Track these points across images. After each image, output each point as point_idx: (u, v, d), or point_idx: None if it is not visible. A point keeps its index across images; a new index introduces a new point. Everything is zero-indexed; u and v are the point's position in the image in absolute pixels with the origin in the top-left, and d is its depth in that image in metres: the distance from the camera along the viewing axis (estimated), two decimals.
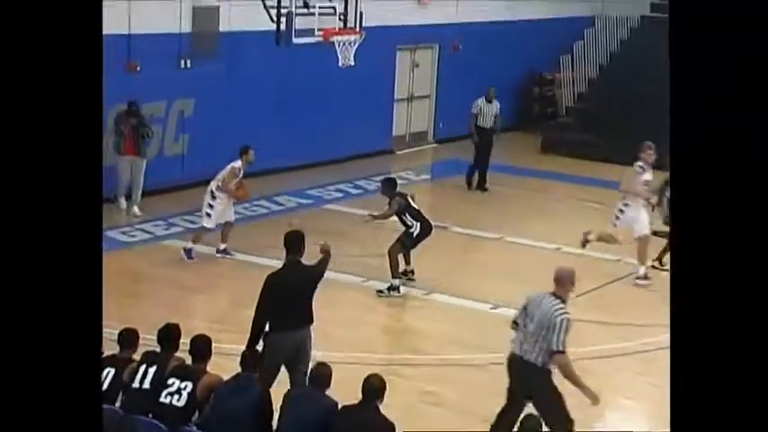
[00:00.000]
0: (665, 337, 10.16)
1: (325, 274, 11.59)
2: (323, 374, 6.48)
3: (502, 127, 18.21)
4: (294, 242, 7.75)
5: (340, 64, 14.88)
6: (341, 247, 12.68)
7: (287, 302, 7.56)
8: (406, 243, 11.25)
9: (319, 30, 14.59)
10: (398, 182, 17.25)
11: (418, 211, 11.36)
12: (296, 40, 14.39)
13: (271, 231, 12.75)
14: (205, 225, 11.97)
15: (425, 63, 19.91)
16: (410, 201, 11.40)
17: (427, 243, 11.32)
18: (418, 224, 11.20)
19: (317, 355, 8.00)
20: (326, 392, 6.46)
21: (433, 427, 8.14)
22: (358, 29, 15.16)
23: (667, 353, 10.46)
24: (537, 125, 20.78)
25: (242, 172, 12.05)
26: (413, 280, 11.46)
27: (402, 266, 11.37)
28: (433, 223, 11.55)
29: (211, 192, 11.99)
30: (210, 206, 11.91)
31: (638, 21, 22.12)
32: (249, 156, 12.08)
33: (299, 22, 14.45)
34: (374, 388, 6.27)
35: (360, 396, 6.34)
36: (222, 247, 12.16)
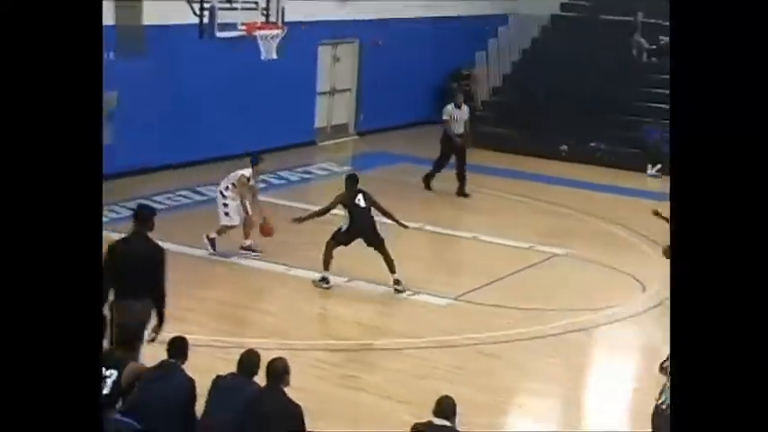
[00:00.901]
0: (573, 321, 10.77)
1: (251, 264, 12.04)
2: (251, 362, 6.55)
3: (422, 121, 18.61)
4: (144, 215, 8.10)
5: (262, 57, 15.16)
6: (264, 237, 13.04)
7: (129, 272, 7.77)
8: (337, 238, 11.38)
9: (242, 24, 14.86)
10: (320, 173, 17.68)
11: (362, 208, 11.32)
12: (219, 34, 14.63)
13: (193, 222, 13.04)
14: (227, 224, 12.26)
15: (347, 58, 20.30)
16: (357, 197, 11.36)
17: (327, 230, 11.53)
18: (348, 220, 11.35)
19: (244, 342, 8.30)
20: (254, 379, 6.53)
21: (355, 411, 8.46)
22: (280, 23, 15.46)
23: (576, 336, 11.01)
24: None
25: (252, 181, 12.32)
26: (400, 291, 11.30)
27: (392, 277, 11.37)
28: (338, 212, 11.76)
29: (221, 193, 12.29)
30: (225, 205, 12.23)
31: (548, 19, 22.92)
32: (260, 166, 12.43)
33: (222, 17, 14.69)
34: (278, 372, 6.33)
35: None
36: (247, 243, 12.36)
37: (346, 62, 20.30)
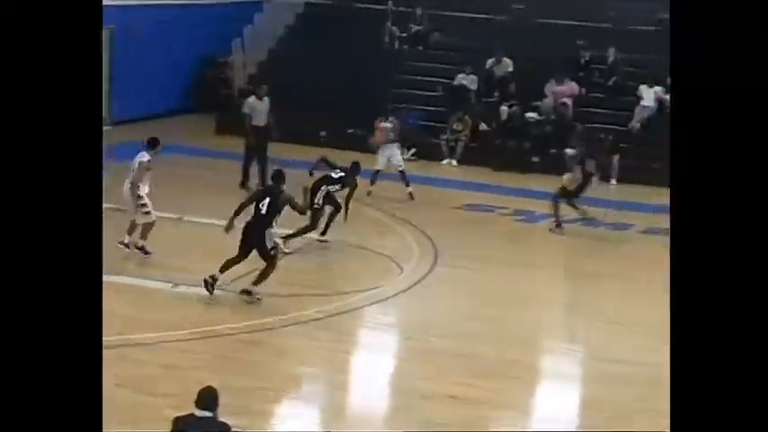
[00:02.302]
0: (337, 305, 10.95)
1: None
2: None
3: (179, 109, 18.13)
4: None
5: None
6: None
7: None
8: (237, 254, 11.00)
9: None
10: None
11: (260, 216, 10.95)
12: None
13: None
14: (149, 221, 11.86)
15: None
16: (262, 201, 10.97)
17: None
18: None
19: None
20: None
21: (114, 408, 8.16)
22: None
23: (340, 318, 11.15)
24: (212, 107, 21.07)
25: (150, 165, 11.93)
26: (249, 302, 10.84)
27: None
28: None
29: (136, 194, 11.81)
30: (142, 203, 11.83)
31: (303, 7, 23.15)
32: (158, 148, 12.13)
33: None
34: None
35: None
36: (141, 243, 11.94)
37: None
